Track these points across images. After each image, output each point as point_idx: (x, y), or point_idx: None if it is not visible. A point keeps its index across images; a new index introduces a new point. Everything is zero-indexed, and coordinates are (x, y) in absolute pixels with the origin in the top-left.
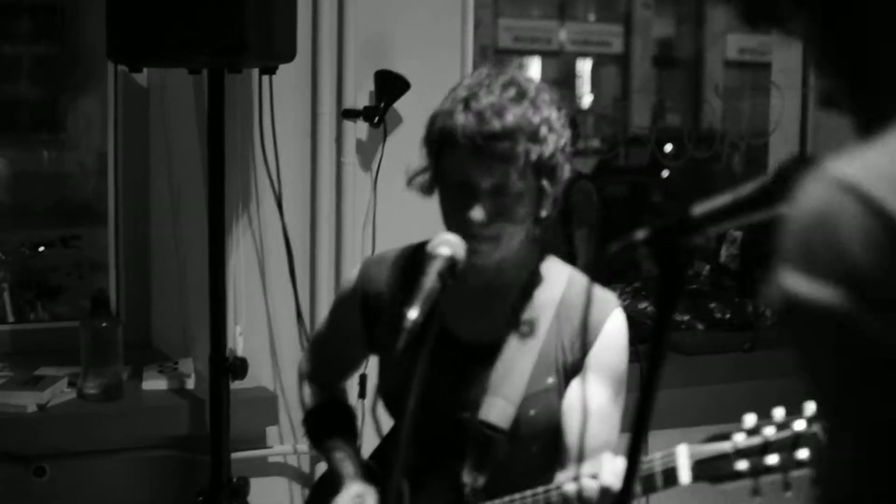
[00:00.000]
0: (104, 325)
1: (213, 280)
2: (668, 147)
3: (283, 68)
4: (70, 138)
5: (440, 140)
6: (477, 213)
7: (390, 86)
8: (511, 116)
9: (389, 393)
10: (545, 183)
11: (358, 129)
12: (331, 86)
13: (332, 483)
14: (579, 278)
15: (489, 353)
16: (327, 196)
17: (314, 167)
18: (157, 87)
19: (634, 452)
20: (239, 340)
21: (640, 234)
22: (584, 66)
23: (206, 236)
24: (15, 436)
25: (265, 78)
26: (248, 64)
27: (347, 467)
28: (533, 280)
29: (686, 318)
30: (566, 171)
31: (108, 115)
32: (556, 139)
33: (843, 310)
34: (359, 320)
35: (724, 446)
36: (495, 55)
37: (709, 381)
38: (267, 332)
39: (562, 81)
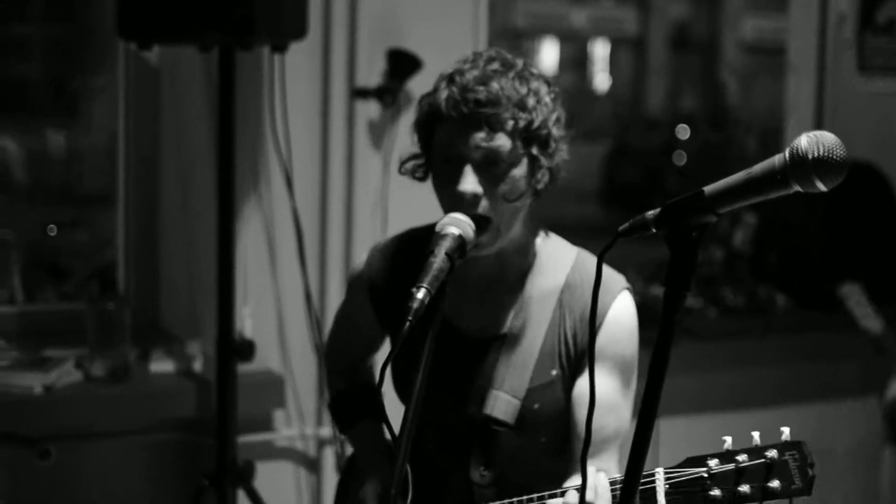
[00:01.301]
0: (111, 306)
1: (221, 261)
2: (684, 130)
3: (293, 47)
4: (82, 119)
5: (428, 119)
6: (469, 184)
7: (403, 65)
8: (496, 84)
9: (397, 377)
10: (536, 151)
11: (370, 109)
12: (342, 64)
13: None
14: (585, 260)
15: (491, 345)
16: (338, 177)
17: (325, 147)
18: (167, 66)
19: (641, 444)
20: (247, 322)
21: (651, 214)
22: (600, 49)
23: (215, 217)
24: (20, 417)
25: (276, 57)
26: (259, 41)
27: (369, 458)
28: (534, 266)
29: (699, 303)
30: (561, 147)
31: (118, 95)
32: (545, 110)
33: None
34: (368, 305)
35: (699, 471)
36: (512, 36)
37: (721, 367)
38: (275, 314)
39: (578, 63)
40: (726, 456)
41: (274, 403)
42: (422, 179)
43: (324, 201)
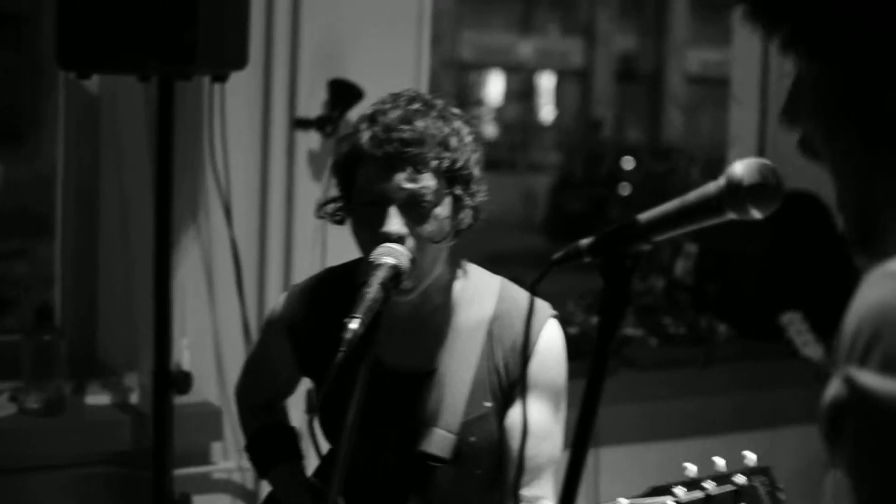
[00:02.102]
0: (47, 338)
1: (158, 292)
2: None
3: (234, 76)
4: (25, 148)
5: (349, 160)
6: (394, 225)
7: (344, 95)
8: (420, 123)
9: (323, 414)
10: (460, 191)
11: (311, 139)
12: (283, 94)
13: None
14: (510, 289)
15: (423, 381)
16: (278, 207)
17: (265, 178)
18: (108, 95)
19: (575, 471)
20: (185, 354)
21: (585, 243)
22: (546, 81)
23: (153, 248)
24: None
25: (217, 86)
26: (198, 71)
27: (292, 499)
28: (459, 299)
29: (640, 332)
30: (482, 186)
31: (57, 124)
32: (467, 150)
33: None
34: (287, 347)
35: (664, 500)
36: (458, 68)
37: (662, 397)
38: (213, 345)
39: (524, 95)
40: (692, 484)
41: (211, 436)
42: (340, 223)
43: (263, 232)
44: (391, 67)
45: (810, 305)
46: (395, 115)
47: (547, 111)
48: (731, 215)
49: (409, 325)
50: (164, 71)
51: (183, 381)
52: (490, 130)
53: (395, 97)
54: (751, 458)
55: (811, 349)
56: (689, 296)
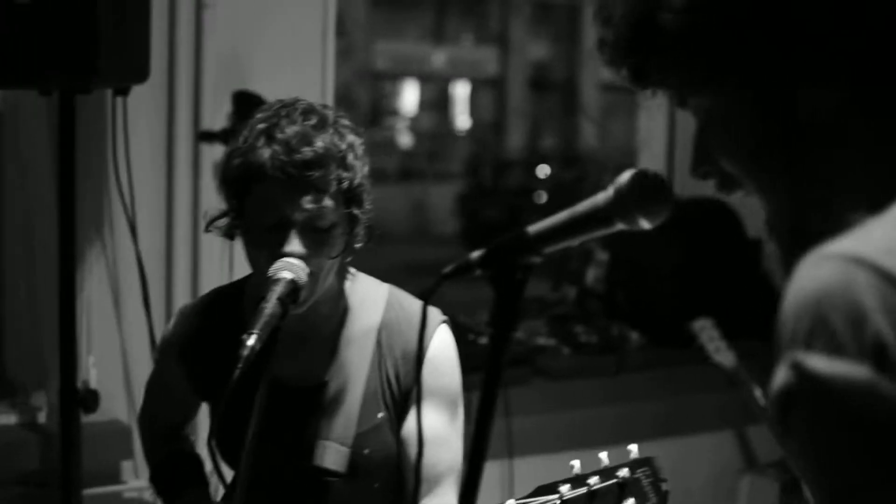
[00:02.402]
0: None
1: (63, 309)
2: (545, 169)
3: (137, 89)
4: None
5: (244, 177)
6: (295, 247)
7: (249, 107)
8: (320, 142)
9: (222, 437)
10: (356, 210)
11: (216, 152)
12: (187, 107)
13: None
14: (398, 296)
15: (314, 395)
16: (184, 221)
17: (170, 191)
18: (10, 109)
19: (471, 484)
20: (92, 372)
21: (475, 256)
22: (461, 90)
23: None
24: None
25: (119, 99)
26: (99, 84)
27: None
28: (347, 309)
29: (552, 342)
30: (371, 201)
31: None
32: (361, 165)
33: (870, 382)
34: (180, 370)
35: (551, 499)
36: (373, 78)
37: (575, 406)
38: (121, 363)
39: (439, 104)
40: (577, 480)
41: (121, 454)
42: (230, 238)
43: (169, 247)
44: (296, 78)
45: (722, 311)
46: (292, 131)
47: (462, 120)
48: (621, 226)
49: (297, 338)
50: (64, 85)
51: (90, 400)
52: (405, 140)
53: (288, 108)
54: (634, 450)
55: (723, 355)
56: (601, 304)
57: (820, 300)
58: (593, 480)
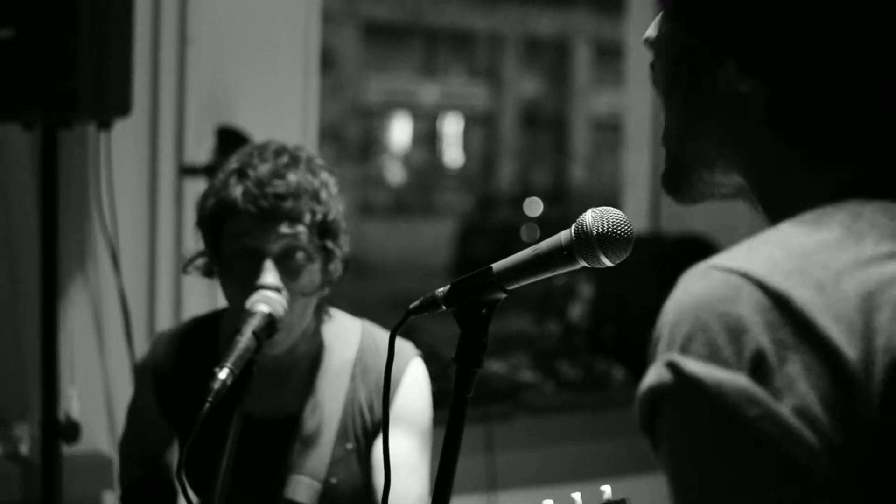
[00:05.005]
0: None
1: (45, 341)
2: (536, 205)
3: (120, 123)
4: None
5: (218, 214)
6: (269, 278)
7: (232, 142)
8: (292, 176)
9: (192, 470)
10: (331, 244)
11: (199, 186)
12: (171, 141)
13: None
14: (372, 332)
15: (287, 428)
16: (167, 255)
17: (153, 225)
18: None
19: None
20: (74, 403)
21: (441, 292)
22: (453, 125)
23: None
24: None
25: (102, 133)
26: (81, 118)
27: None
28: (324, 346)
29: (536, 377)
30: (348, 238)
31: None
32: (335, 203)
33: (744, 388)
34: (154, 396)
35: None
36: (364, 113)
37: (559, 441)
38: (103, 394)
39: (429, 139)
40: None
41: (102, 485)
42: (209, 276)
43: (152, 280)
44: (280, 113)
45: None
46: (265, 169)
47: (453, 155)
48: (583, 263)
49: (274, 374)
50: (47, 119)
51: (71, 431)
52: (397, 175)
53: (261, 150)
54: (607, 491)
55: None
56: (586, 340)
57: (703, 308)
58: None
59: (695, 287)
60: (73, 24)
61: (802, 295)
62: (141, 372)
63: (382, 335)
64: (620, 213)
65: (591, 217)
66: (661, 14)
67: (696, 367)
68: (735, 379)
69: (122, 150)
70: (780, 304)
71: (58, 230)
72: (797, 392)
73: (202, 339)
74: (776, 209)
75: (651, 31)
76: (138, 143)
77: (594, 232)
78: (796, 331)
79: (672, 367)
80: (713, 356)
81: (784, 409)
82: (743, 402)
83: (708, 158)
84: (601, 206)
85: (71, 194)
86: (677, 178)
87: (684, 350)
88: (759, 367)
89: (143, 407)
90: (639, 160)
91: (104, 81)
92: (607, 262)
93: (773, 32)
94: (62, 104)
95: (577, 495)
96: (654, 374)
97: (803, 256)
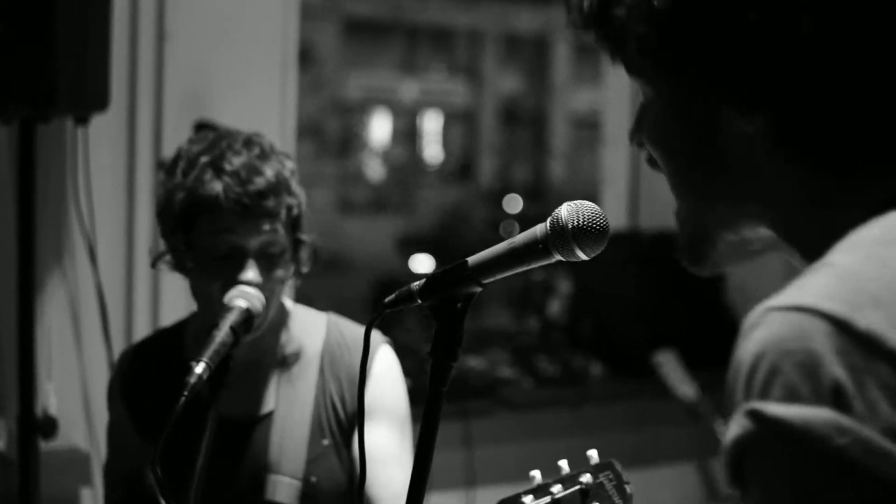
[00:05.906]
0: None
1: (22, 337)
2: (515, 201)
3: (98, 118)
4: None
5: (194, 211)
6: (252, 275)
7: None
8: (269, 170)
9: (166, 468)
10: (300, 235)
11: None
12: (148, 136)
13: None
14: (337, 323)
15: (261, 426)
16: (144, 250)
17: (130, 220)
18: None
19: None
20: (51, 399)
21: (416, 286)
22: (432, 121)
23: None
24: None
25: (80, 128)
26: (59, 113)
27: None
28: (289, 339)
29: (514, 373)
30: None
31: None
32: (301, 191)
33: (830, 420)
34: (126, 414)
35: None
36: (343, 109)
37: (537, 437)
38: (81, 390)
39: (410, 136)
40: (540, 490)
41: (80, 481)
42: (184, 271)
43: (129, 275)
44: (257, 109)
45: (684, 344)
46: (239, 162)
47: (433, 152)
48: (558, 257)
49: (240, 371)
50: (24, 114)
51: (49, 427)
52: (377, 171)
53: (228, 140)
54: (594, 455)
55: (685, 388)
56: (564, 335)
57: (771, 351)
58: (556, 489)
59: (758, 333)
60: (51, 20)
61: (862, 314)
62: (111, 390)
63: (349, 325)
64: (596, 206)
65: (567, 210)
66: (639, 105)
67: (778, 409)
68: (819, 413)
69: (99, 144)
70: (844, 329)
71: (35, 225)
72: (881, 413)
73: (166, 348)
74: (812, 247)
75: (631, 125)
76: (116, 138)
77: (569, 225)
78: (865, 351)
79: (754, 415)
80: (792, 395)
81: (873, 433)
82: (832, 433)
83: (730, 219)
84: (581, 199)
85: (48, 189)
86: (702, 250)
87: (763, 395)
88: (839, 397)
89: (118, 426)
90: (617, 157)
91: (82, 76)
92: (582, 256)
93: (758, 63)
94: (40, 99)
95: (563, 462)
96: (737, 426)
97: (852, 276)
